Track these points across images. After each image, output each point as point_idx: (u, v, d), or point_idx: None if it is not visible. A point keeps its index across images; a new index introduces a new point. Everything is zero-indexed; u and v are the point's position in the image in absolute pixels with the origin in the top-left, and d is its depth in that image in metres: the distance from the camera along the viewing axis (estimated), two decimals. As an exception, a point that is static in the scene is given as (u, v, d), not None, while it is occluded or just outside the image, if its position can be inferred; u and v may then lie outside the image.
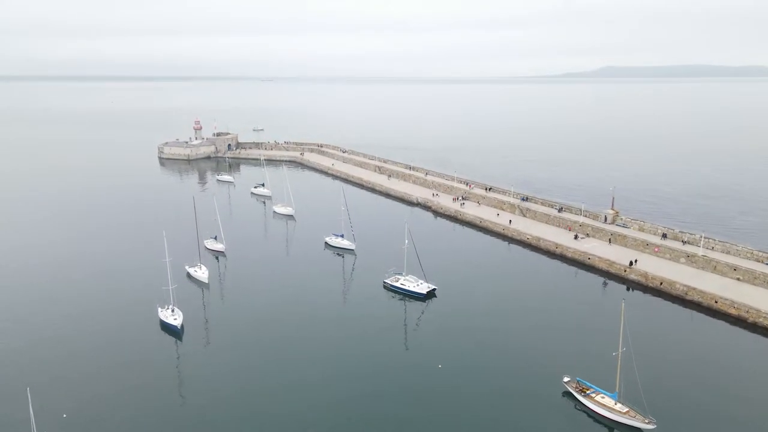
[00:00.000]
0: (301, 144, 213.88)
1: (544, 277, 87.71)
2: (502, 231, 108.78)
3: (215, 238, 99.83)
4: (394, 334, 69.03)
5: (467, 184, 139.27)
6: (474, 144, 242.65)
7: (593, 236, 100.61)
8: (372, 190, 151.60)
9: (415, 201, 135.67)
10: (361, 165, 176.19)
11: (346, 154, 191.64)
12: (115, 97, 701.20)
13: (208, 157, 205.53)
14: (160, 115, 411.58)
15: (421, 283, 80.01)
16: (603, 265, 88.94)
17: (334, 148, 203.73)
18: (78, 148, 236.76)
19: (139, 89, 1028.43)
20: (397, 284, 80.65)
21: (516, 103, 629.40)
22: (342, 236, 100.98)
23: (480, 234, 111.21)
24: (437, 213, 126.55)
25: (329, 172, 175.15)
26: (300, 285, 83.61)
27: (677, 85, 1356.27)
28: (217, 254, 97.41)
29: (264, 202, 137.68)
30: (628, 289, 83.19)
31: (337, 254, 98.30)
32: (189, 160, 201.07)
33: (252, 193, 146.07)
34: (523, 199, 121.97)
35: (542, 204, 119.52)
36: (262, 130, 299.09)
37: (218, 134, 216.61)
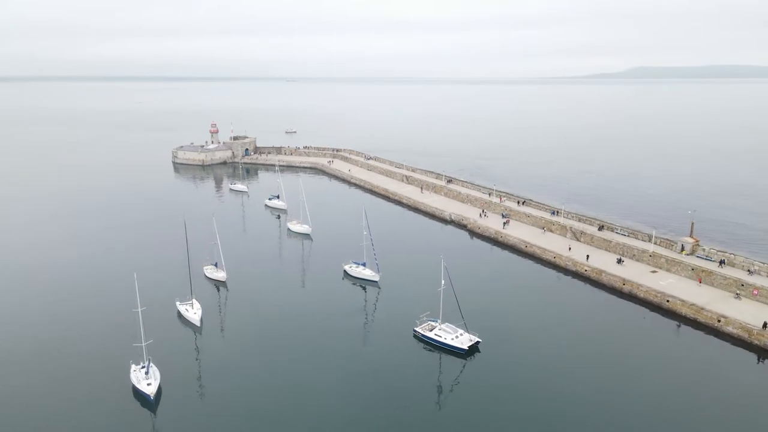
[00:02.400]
0: (323, 149, 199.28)
1: (612, 323, 70.51)
2: (553, 259, 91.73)
3: (215, 265, 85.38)
4: (426, 399, 53.71)
5: (518, 202, 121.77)
6: (509, 151, 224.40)
7: (669, 270, 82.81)
8: (398, 202, 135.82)
9: (447, 218, 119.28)
10: (386, 173, 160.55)
11: (370, 161, 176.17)
12: (142, 98, 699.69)
13: (224, 162, 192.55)
14: (182, 117, 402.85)
15: (461, 334, 63.93)
16: (688, 311, 71.24)
17: (358, 154, 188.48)
18: (94, 150, 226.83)
19: (165, 90, 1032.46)
20: (431, 335, 64.66)
21: (545, 104, 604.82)
22: (364, 265, 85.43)
23: (526, 262, 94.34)
24: (474, 233, 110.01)
25: (352, 181, 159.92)
26: (314, 327, 68.33)
27: (720, 86, 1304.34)
28: (218, 284, 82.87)
29: (278, 217, 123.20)
30: (759, 359, 63.00)
31: (359, 287, 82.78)
32: (204, 166, 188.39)
33: (266, 205, 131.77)
34: (575, 220, 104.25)
35: (599, 226, 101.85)
36: (294, 132, 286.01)
37: (235, 138, 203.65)
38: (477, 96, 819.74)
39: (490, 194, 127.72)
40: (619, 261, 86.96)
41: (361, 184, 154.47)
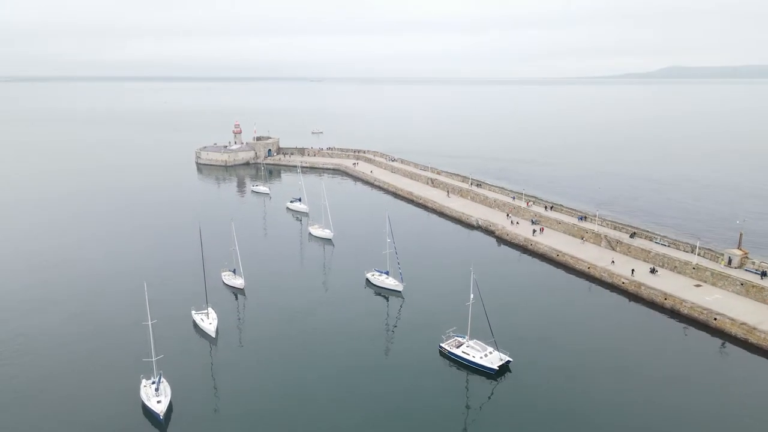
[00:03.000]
0: (346, 150, 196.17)
1: (654, 343, 65.29)
2: (587, 270, 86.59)
3: (233, 272, 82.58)
4: (452, 422, 50.04)
5: (545, 207, 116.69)
6: (533, 153, 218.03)
7: (714, 285, 77.03)
8: (423, 206, 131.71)
9: (474, 223, 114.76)
10: (410, 176, 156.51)
11: (394, 163, 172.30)
12: (168, 98, 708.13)
13: (247, 163, 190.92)
14: (208, 117, 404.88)
15: (491, 353, 59.67)
16: (738, 331, 65.63)
17: (381, 155, 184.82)
18: (119, 149, 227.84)
19: (192, 90, 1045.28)
20: (458, 352, 60.53)
21: (569, 104, 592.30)
22: (387, 274, 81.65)
23: (558, 272, 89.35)
24: (502, 240, 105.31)
25: (375, 183, 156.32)
26: (334, 340, 64.93)
27: (760, 87, 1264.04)
28: (235, 292, 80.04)
29: (300, 220, 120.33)
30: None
31: (381, 296, 79.06)
32: (226, 167, 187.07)
33: (287, 208, 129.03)
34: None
35: (636, 234, 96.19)
36: (321, 132, 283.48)
37: (258, 138, 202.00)
38: (498, 97, 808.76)
39: (514, 198, 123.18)
40: (653, 271, 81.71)
41: (385, 186, 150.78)
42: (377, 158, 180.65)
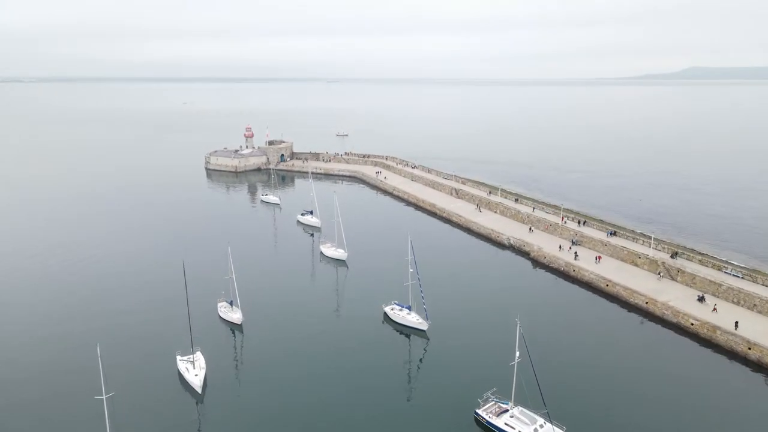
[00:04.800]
0: (364, 156, 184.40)
1: (740, 405, 52.25)
2: (645, 305, 73.47)
3: (230, 303, 71.27)
4: None
5: (579, 222, 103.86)
6: (561, 159, 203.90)
7: (809, 330, 63.44)
8: (447, 220, 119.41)
9: (506, 242, 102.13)
10: (433, 185, 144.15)
11: (415, 171, 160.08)
12: (188, 99, 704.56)
13: (258, 169, 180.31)
14: (223, 118, 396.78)
15: (542, 426, 47.20)
16: None
17: (400, 162, 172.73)
18: (133, 152, 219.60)
19: (209, 90, 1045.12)
20: (500, 424, 48.11)
21: (594, 107, 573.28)
22: (409, 309, 69.63)
23: (610, 306, 76.30)
24: (538, 263, 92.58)
25: (395, 193, 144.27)
26: (345, 396, 53.09)
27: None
28: (232, 328, 68.73)
29: (312, 235, 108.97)
30: None
31: (403, 336, 67.12)
32: (236, 173, 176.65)
33: (298, 221, 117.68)
34: (672, 255, 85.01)
35: (702, 262, 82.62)
36: (346, 135, 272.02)
37: (271, 142, 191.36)
38: (517, 98, 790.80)
39: (533, 209, 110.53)
40: (701, 299, 69.66)
41: (405, 197, 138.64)
42: (397, 165, 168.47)
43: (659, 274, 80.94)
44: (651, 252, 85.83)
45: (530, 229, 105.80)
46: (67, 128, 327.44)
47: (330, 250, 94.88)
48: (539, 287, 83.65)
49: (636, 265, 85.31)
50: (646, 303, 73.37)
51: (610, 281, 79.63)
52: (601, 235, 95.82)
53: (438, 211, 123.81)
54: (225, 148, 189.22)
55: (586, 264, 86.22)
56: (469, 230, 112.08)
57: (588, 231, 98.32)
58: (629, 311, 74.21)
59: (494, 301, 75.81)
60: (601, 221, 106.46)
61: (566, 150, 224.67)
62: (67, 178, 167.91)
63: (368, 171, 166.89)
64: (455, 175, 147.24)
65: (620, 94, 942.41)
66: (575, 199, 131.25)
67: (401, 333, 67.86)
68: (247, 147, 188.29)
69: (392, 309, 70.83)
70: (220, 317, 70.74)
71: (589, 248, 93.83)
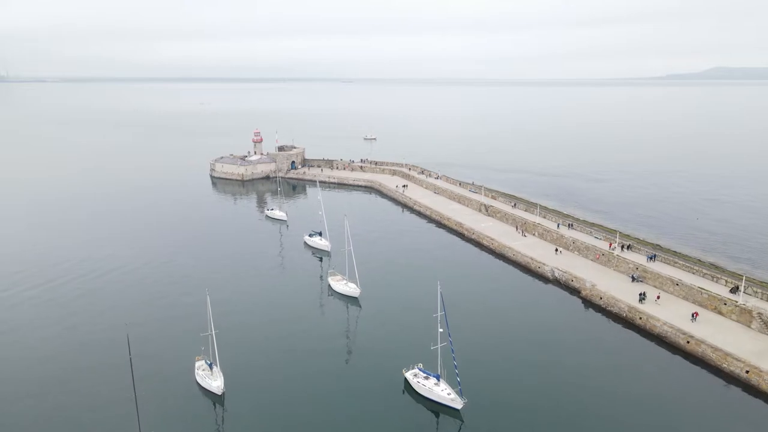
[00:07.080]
0: (382, 164, 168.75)
1: None
2: (745, 374, 56.59)
3: (210, 366, 56.18)
4: None
5: (623, 247, 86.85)
6: (605, 164, 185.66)
7: None
8: (476, 242, 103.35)
9: (549, 275, 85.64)
10: (458, 199, 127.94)
11: (438, 182, 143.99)
12: (205, 99, 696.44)
13: (267, 177, 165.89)
14: (234, 120, 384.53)
15: None
16: None
17: (422, 171, 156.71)
18: (139, 157, 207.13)
19: (224, 90, 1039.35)
20: None
21: (622, 109, 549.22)
22: (437, 379, 53.83)
23: (694, 370, 59.61)
24: (590, 303, 76.01)
25: (415, 208, 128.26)
26: None
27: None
28: (213, 399, 53.64)
29: (320, 260, 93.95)
30: None
31: (431, 413, 51.55)
32: (243, 181, 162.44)
33: (305, 243, 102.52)
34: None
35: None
36: (374, 139, 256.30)
37: (281, 148, 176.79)
38: (536, 99, 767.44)
39: (567, 230, 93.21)
40: None
41: (428, 213, 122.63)
42: (418, 175, 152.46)
43: (752, 326, 63.84)
44: (741, 299, 68.34)
45: (564, 252, 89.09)
46: (106, 129, 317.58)
47: (340, 285, 79.44)
48: (594, 337, 66.92)
49: (721, 313, 68.22)
50: (747, 372, 56.48)
51: (691, 336, 62.75)
52: (669, 271, 78.69)
53: (466, 232, 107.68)
54: (231, 155, 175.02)
55: (654, 308, 69.38)
56: (503, 256, 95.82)
57: (652, 265, 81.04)
58: (724, 381, 57.37)
59: (543, 364, 59.58)
60: (644, 241, 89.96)
61: (597, 153, 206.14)
62: (64, 188, 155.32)
63: (385, 181, 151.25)
64: (484, 187, 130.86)
65: (647, 94, 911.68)
66: (620, 217, 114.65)
67: (430, 410, 52.15)
68: (255, 153, 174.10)
69: (415, 376, 55.09)
70: (198, 384, 55.71)
71: (654, 286, 76.92)
